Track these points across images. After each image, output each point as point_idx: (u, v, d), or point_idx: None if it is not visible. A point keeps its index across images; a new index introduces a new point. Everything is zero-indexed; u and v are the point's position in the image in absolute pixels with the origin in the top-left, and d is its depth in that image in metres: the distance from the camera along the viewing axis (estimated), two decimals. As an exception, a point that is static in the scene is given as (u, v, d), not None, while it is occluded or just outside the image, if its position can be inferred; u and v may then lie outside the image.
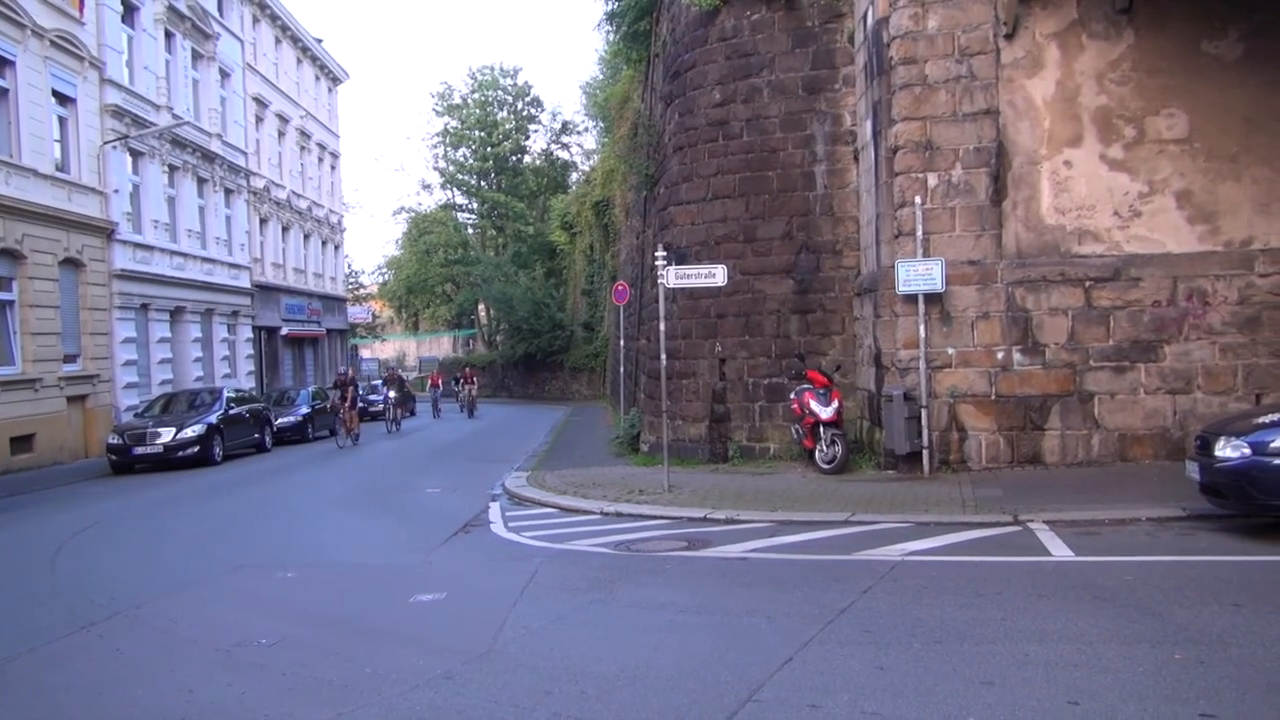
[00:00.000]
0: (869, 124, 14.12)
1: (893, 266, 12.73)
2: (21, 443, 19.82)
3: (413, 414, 37.71)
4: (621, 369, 23.89)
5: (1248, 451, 8.09)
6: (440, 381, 41.11)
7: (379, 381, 39.19)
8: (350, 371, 27.42)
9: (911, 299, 12.67)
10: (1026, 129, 12.77)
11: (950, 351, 12.72)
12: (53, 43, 21.24)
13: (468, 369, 39.70)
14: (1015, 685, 4.92)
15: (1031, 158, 12.76)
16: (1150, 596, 6.50)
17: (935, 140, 12.83)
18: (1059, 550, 8.20)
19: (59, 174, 21.76)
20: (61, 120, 22.23)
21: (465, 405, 36.15)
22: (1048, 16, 12.70)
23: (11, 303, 20.12)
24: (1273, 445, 8.01)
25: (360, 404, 29.36)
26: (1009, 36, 12.71)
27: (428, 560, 9.56)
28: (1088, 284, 12.48)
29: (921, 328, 12.62)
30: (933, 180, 12.82)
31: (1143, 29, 12.47)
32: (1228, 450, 8.25)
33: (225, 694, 5.46)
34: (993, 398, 12.60)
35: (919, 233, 12.71)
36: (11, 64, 20.10)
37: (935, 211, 12.80)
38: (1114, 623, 5.96)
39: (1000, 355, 12.61)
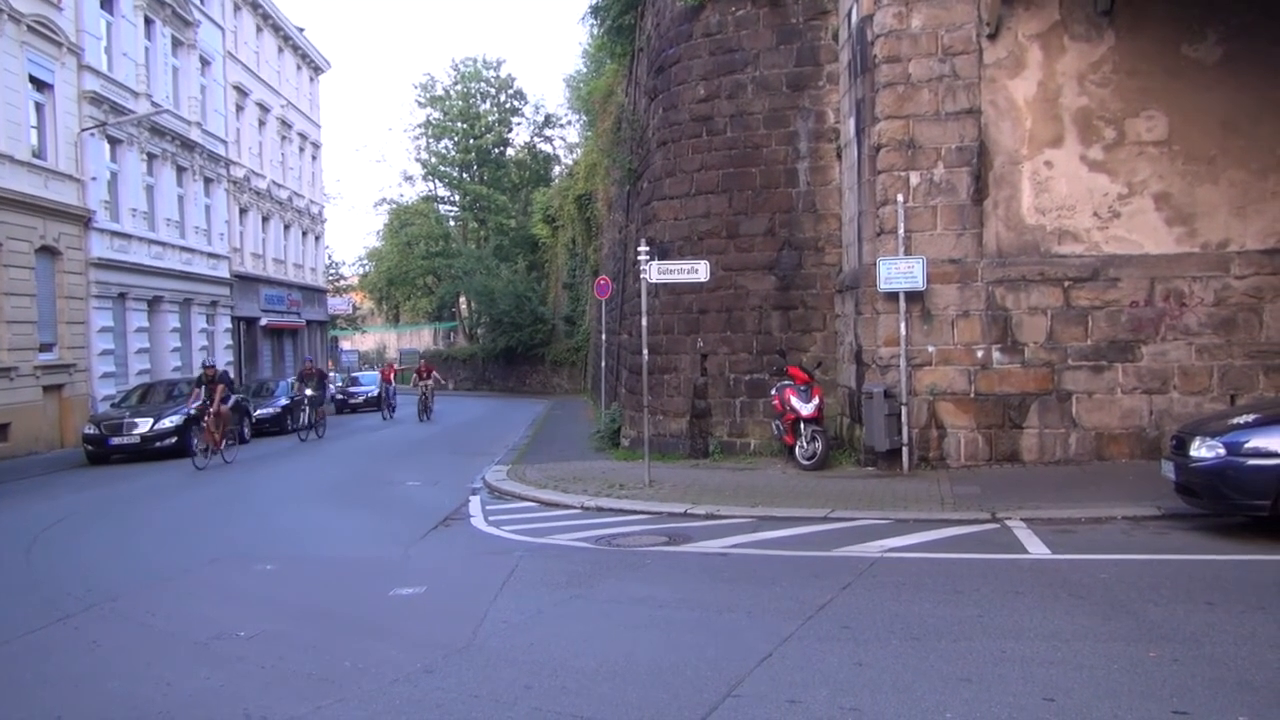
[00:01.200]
0: (852, 121, 14.16)
1: (874, 264, 12.79)
2: (-4, 432, 19.62)
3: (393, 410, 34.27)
4: (603, 363, 23.88)
5: (1222, 452, 8.18)
6: (393, 376, 35.21)
7: (356, 373, 37.73)
8: (215, 365, 21.19)
9: (893, 297, 12.73)
10: (1008, 129, 12.84)
11: (930, 349, 12.79)
12: (30, 27, 20.99)
13: (423, 362, 34.77)
14: (992, 682, 4.96)
15: (1013, 157, 12.84)
16: (1125, 594, 6.58)
17: (918, 139, 12.89)
18: (1036, 548, 8.28)
19: (36, 160, 21.53)
20: (38, 106, 21.99)
21: (420, 405, 30.08)
22: (1030, 17, 12.77)
23: (-14, 290, 19.91)
24: (1247, 446, 8.10)
25: (339, 395, 28.42)
26: (992, 36, 12.78)
27: (407, 554, 9.54)
28: (1067, 284, 12.58)
29: (902, 325, 12.68)
30: (915, 179, 12.88)
31: (1123, 31, 12.57)
32: (1203, 450, 8.34)
33: (203, 687, 5.43)
34: (972, 396, 12.69)
35: (901, 231, 12.77)
36: (-13, 48, 19.86)
37: (917, 210, 12.86)
38: (1089, 620, 6.02)
39: (980, 354, 12.70)
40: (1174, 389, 12.37)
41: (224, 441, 18.25)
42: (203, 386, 18.64)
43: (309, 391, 23.76)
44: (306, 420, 23.56)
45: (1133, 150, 12.62)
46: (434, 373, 31.74)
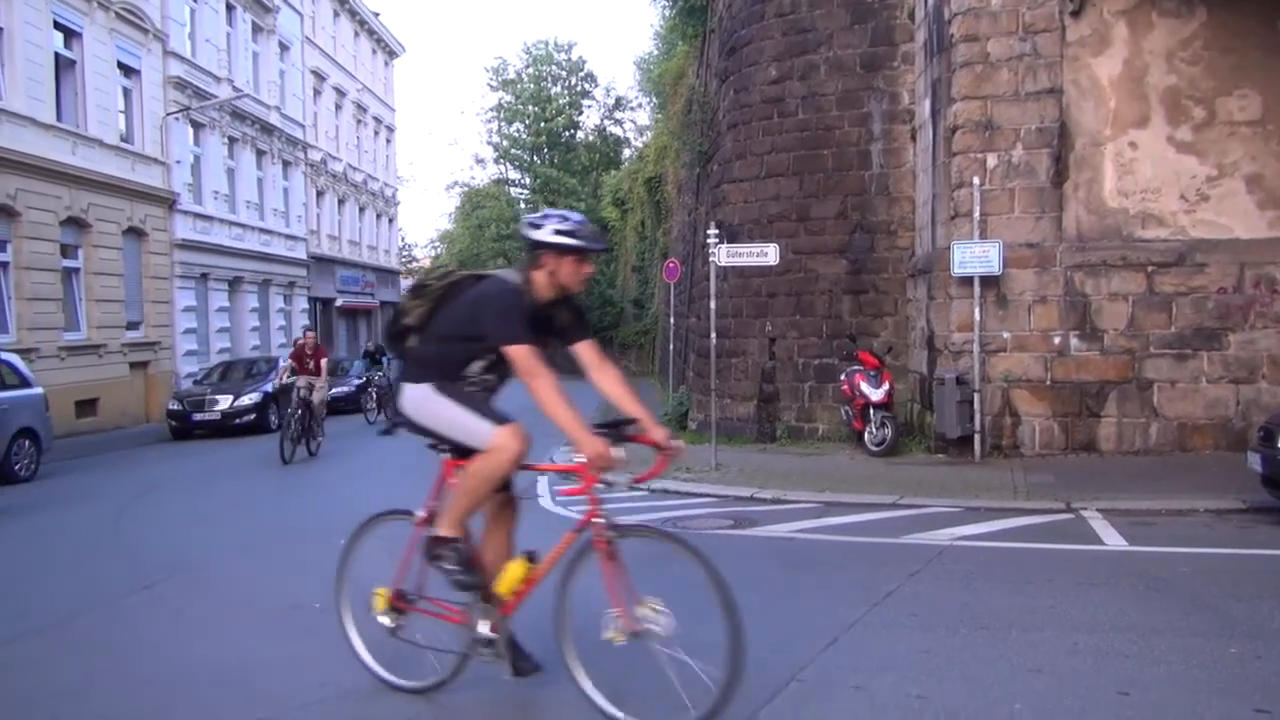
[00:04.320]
0: (927, 103, 13.89)
1: (948, 248, 12.55)
2: (86, 406, 20.40)
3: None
4: (671, 346, 23.88)
5: (1313, 444, 7.89)
6: (297, 369, 16.36)
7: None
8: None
9: (967, 281, 12.48)
10: (1091, 109, 12.47)
11: (1005, 335, 12.53)
12: (118, 14, 21.66)
13: (309, 335, 17.71)
14: (1064, 674, 4.86)
15: (1095, 139, 12.46)
16: (1206, 589, 6.37)
17: (995, 120, 12.59)
18: (1112, 539, 8.07)
19: (123, 144, 22.25)
20: (126, 92, 22.69)
21: (295, 427, 15.42)
22: (1116, -7, 12.37)
23: (78, 270, 20.68)
24: (1340, 438, 7.80)
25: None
26: (1075, 14, 12.39)
27: (476, 531, 9.67)
28: (1150, 269, 12.20)
29: (976, 311, 12.44)
30: (992, 161, 12.59)
31: (1216, 7, 12.08)
32: (1292, 442, 8.05)
33: (280, 654, 5.59)
34: (1048, 383, 12.40)
35: (976, 214, 12.50)
36: (79, 35, 20.55)
37: (994, 192, 12.57)
38: (1168, 614, 5.85)
39: (1057, 340, 12.40)
40: (1263, 378, 11.93)
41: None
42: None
43: None
44: None
45: (1224, 130, 12.16)
46: (325, 360, 16.52)
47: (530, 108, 60.97)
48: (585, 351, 4.56)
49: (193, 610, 6.72)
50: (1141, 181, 12.38)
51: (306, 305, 32.97)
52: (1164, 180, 12.32)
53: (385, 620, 4.68)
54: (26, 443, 14.00)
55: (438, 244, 67.81)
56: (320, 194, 35.15)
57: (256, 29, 29.51)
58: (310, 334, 17.80)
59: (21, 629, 6.19)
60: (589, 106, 63.26)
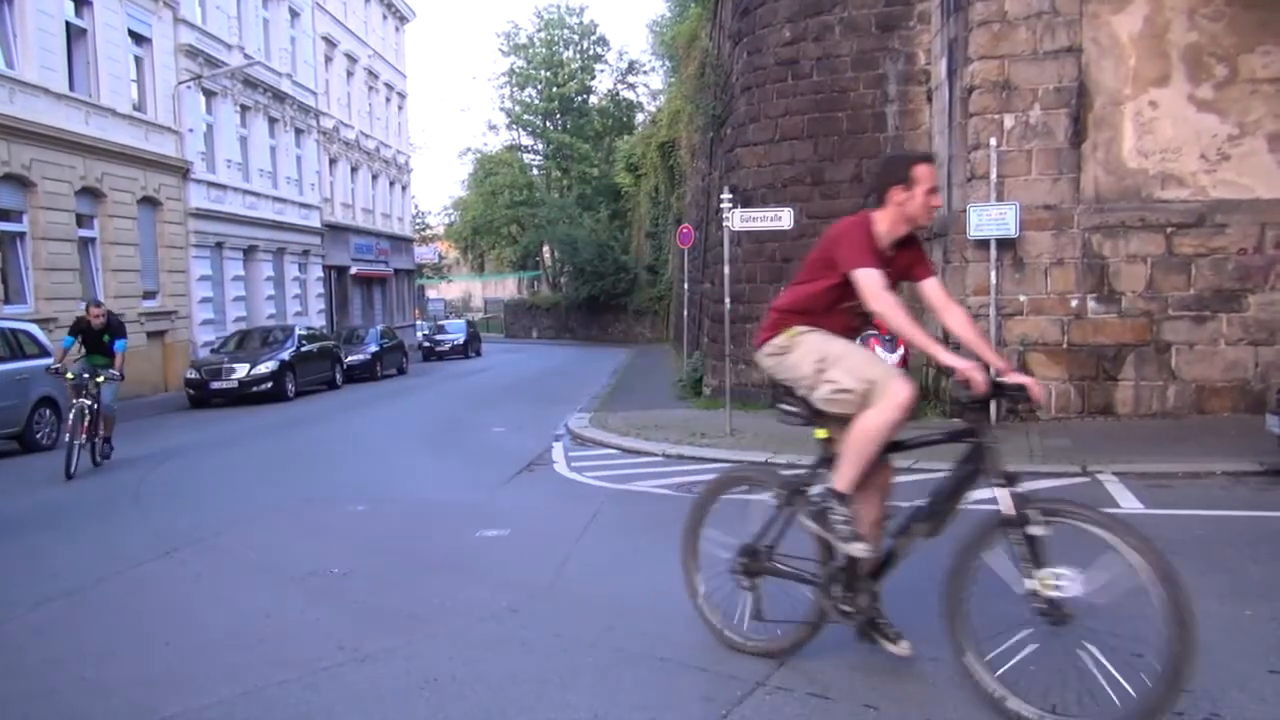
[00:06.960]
0: (944, 63, 13.70)
1: (964, 211, 12.44)
2: (105, 376, 20.56)
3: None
4: (685, 312, 23.83)
5: (1333, 406, 7.83)
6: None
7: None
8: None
9: (983, 244, 12.39)
10: (1110, 68, 12.28)
11: (1022, 299, 12.44)
12: (128, -18, 21.57)
13: (95, 309, 11.82)
14: (1078, 635, 4.86)
15: (1114, 98, 12.29)
16: (1222, 551, 6.36)
17: (1013, 80, 12.42)
18: (1127, 502, 8.05)
19: (136, 113, 22.24)
20: (138, 60, 22.65)
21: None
22: (1138, -52, 12.13)
23: (94, 240, 20.77)
24: (1360, 400, 7.73)
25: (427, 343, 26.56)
26: (1095, -30, 12.17)
27: (492, 497, 9.75)
28: (1169, 230, 12.06)
29: (993, 274, 12.35)
30: (1009, 121, 12.44)
31: (1240, -39, 11.85)
32: (1311, 404, 7.99)
33: (299, 620, 5.66)
34: (1064, 346, 12.33)
35: (993, 176, 12.38)
36: (89, 3, 20.51)
37: (1011, 154, 12.44)
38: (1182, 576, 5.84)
39: (1074, 303, 12.31)
40: (1282, 341, 11.83)
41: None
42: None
43: None
44: None
45: (1246, 88, 11.96)
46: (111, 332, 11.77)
47: (542, 73, 60.57)
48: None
49: (212, 575, 6.81)
50: (1161, 141, 12.22)
51: (321, 273, 33.06)
52: (1184, 140, 12.15)
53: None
54: (47, 411, 14.15)
55: (451, 211, 67.77)
56: (333, 161, 35.10)
57: (266, -5, 29.38)
58: (95, 308, 11.31)
59: (48, 593, 6.30)
60: (601, 71, 62.88)
